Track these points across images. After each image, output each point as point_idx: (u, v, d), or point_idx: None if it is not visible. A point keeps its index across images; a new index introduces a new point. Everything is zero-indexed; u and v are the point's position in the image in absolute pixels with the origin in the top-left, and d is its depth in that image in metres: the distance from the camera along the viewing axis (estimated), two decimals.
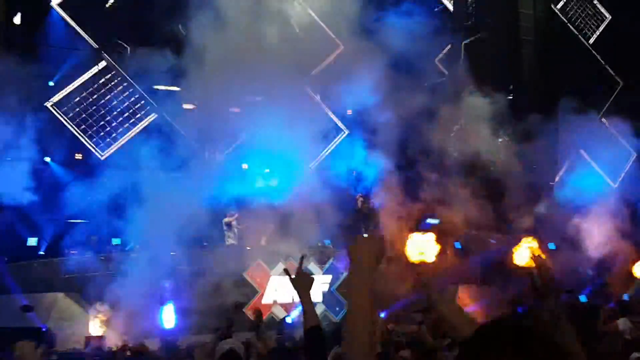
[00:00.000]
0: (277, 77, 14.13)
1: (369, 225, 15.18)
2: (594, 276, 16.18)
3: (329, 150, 17.06)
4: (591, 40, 19.02)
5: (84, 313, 11.07)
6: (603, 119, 18.21)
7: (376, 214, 15.37)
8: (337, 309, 12.94)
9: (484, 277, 14.37)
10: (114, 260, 12.11)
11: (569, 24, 18.57)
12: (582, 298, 15.01)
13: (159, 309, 11.05)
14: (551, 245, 16.38)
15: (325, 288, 13.12)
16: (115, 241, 12.83)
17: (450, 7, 18.48)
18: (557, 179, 17.65)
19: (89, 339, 10.19)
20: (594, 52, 18.67)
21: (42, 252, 12.73)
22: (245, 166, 15.68)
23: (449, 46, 17.88)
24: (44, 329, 10.16)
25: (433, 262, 13.34)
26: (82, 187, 13.28)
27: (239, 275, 12.64)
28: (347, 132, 17.15)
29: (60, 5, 14.21)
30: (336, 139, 17.11)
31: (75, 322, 10.91)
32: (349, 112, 17.38)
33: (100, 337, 10.30)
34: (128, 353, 9.04)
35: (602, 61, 18.69)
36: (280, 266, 12.99)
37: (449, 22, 18.03)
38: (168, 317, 11.00)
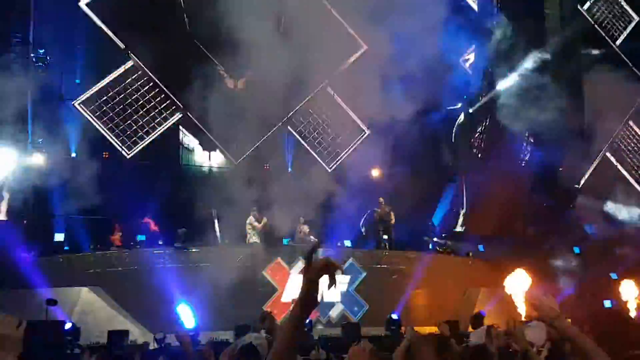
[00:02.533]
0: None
1: (388, 228, 15.17)
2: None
3: (350, 151, 17.09)
4: (618, 42, 18.67)
5: (107, 307, 11.31)
6: (630, 122, 17.92)
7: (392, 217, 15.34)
8: (356, 309, 12.97)
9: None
10: (138, 256, 12.31)
11: (595, 25, 18.27)
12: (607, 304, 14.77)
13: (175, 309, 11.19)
14: (576, 249, 16.21)
15: (344, 288, 13.15)
16: (140, 237, 13.06)
17: (475, 7, 18.35)
18: (582, 181, 17.42)
19: (112, 333, 10.38)
20: (621, 53, 18.34)
21: (67, 248, 13.01)
22: (267, 168, 15.88)
23: (473, 47, 17.79)
24: (68, 322, 10.38)
25: None
26: (109, 184, 13.60)
27: (259, 273, 12.76)
28: (368, 132, 17.12)
29: (88, 5, 14.49)
30: (357, 140, 17.09)
31: (98, 315, 11.14)
32: (371, 113, 17.39)
33: (123, 332, 10.49)
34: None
35: (629, 63, 18.34)
36: (300, 265, 13.07)
37: (473, 22, 17.89)
38: (186, 317, 11.12)
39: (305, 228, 14.31)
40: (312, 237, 14.24)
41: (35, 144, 13.83)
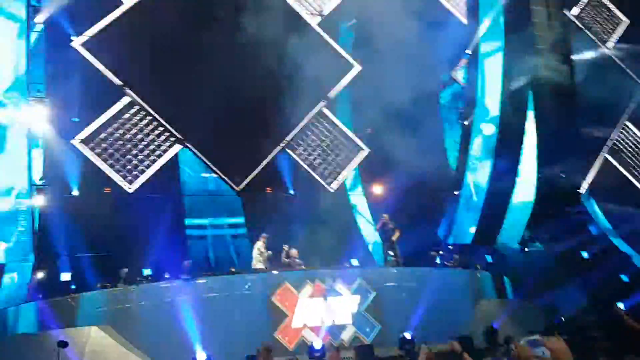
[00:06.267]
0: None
1: (392, 244, 15.09)
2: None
3: (350, 169, 17.19)
4: (608, 44, 18.83)
5: (117, 345, 11.22)
6: (627, 123, 18.01)
7: (398, 233, 15.29)
8: (368, 330, 12.84)
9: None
10: (145, 291, 12.24)
11: (584, 29, 18.46)
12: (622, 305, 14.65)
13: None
14: (584, 254, 16.16)
15: (355, 309, 13.03)
16: (146, 272, 13.01)
17: (464, 20, 18.54)
18: (585, 185, 17.40)
19: None
20: (613, 56, 18.50)
21: (74, 287, 12.96)
22: (269, 190, 15.96)
23: (465, 59, 17.96)
24: None
25: None
26: (112, 219, 13.63)
27: (268, 299, 12.65)
28: (367, 150, 17.21)
29: (83, 45, 14.66)
30: (356, 158, 17.18)
31: (109, 355, 11.05)
32: (370, 130, 17.52)
33: None
34: None
35: (622, 65, 18.47)
36: (308, 288, 13.00)
37: (463, 35, 18.06)
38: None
39: (294, 252, 14.23)
40: (298, 261, 14.13)
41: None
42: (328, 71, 16.64)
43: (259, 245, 13.95)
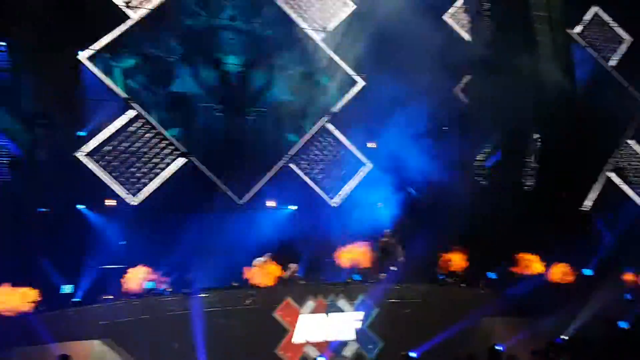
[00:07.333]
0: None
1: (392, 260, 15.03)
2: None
3: (353, 185, 17.20)
4: (612, 63, 18.96)
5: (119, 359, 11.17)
6: (629, 141, 18.10)
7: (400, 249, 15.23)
8: (370, 346, 12.79)
9: (520, 309, 14.06)
10: (147, 305, 12.19)
11: (587, 48, 18.60)
12: (623, 324, 14.58)
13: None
14: (587, 272, 16.09)
15: (359, 325, 12.97)
16: (149, 285, 12.94)
17: (467, 36, 18.66)
18: (588, 203, 17.42)
19: None
20: (615, 74, 18.62)
21: (76, 299, 12.90)
22: (272, 204, 15.99)
23: (469, 76, 18.04)
24: None
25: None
26: (115, 232, 13.65)
27: (269, 314, 12.59)
28: (370, 165, 17.27)
29: (88, 58, 14.78)
30: (359, 173, 17.24)
31: None
32: (372, 145, 17.55)
33: None
34: None
35: (625, 82, 18.58)
36: (311, 304, 12.95)
37: (466, 52, 18.15)
38: None
39: (294, 267, 14.17)
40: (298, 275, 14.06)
41: None
42: (332, 86, 16.83)
43: (258, 260, 13.90)
